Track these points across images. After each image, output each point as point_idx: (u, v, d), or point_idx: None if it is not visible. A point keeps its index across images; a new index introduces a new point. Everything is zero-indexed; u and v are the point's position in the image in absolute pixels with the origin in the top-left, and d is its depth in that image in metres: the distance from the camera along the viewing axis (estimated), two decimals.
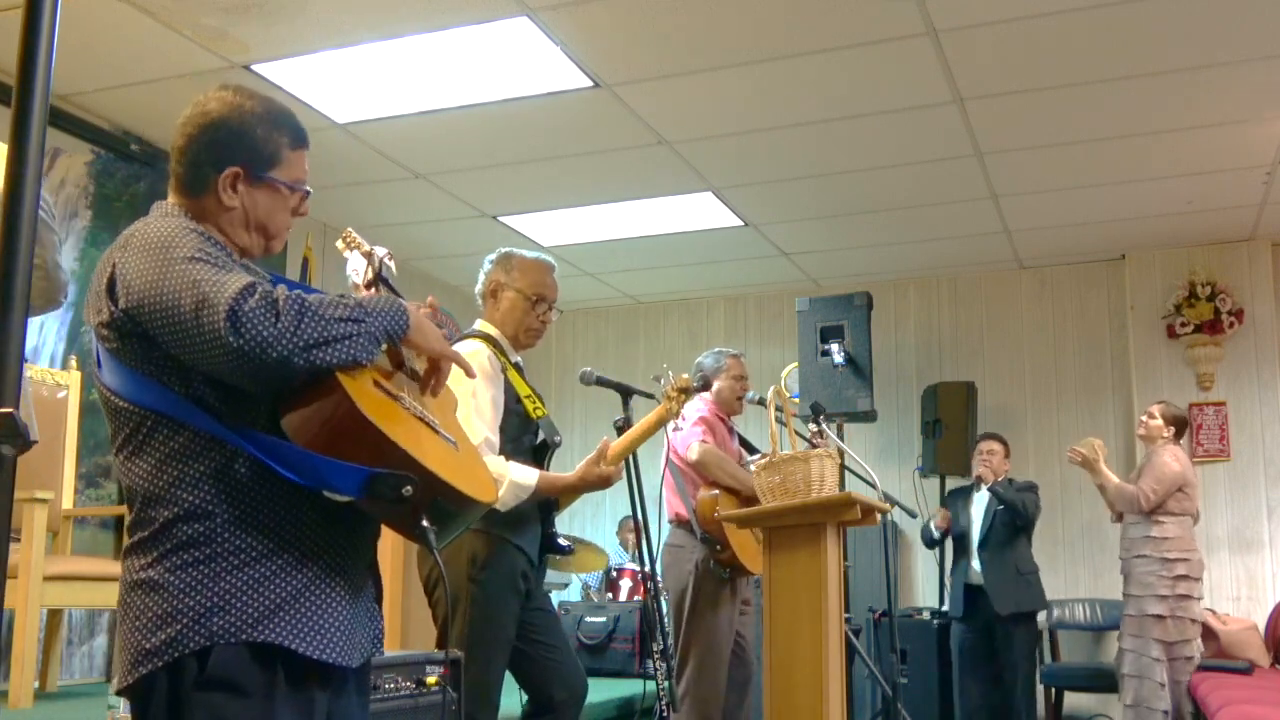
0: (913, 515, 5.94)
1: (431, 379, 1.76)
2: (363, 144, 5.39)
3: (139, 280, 1.57)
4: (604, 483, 3.00)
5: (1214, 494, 6.63)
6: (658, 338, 8.32)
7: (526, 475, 2.91)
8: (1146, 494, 5.39)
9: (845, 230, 6.74)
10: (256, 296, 1.49)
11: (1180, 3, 4.11)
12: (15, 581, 3.64)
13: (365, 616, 1.73)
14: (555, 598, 6.75)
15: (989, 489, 5.84)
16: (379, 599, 1.80)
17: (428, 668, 2.95)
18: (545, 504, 3.06)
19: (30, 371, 4.21)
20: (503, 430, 2.96)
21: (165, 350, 1.57)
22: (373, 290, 2.12)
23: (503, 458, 2.91)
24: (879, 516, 4.05)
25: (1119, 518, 5.70)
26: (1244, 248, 6.84)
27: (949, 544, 6.19)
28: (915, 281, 7.71)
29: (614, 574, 6.70)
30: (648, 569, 3.37)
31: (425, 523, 1.59)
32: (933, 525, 6.05)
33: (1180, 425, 5.69)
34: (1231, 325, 6.72)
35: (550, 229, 6.65)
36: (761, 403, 4.36)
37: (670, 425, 3.56)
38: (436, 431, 1.71)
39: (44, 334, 4.82)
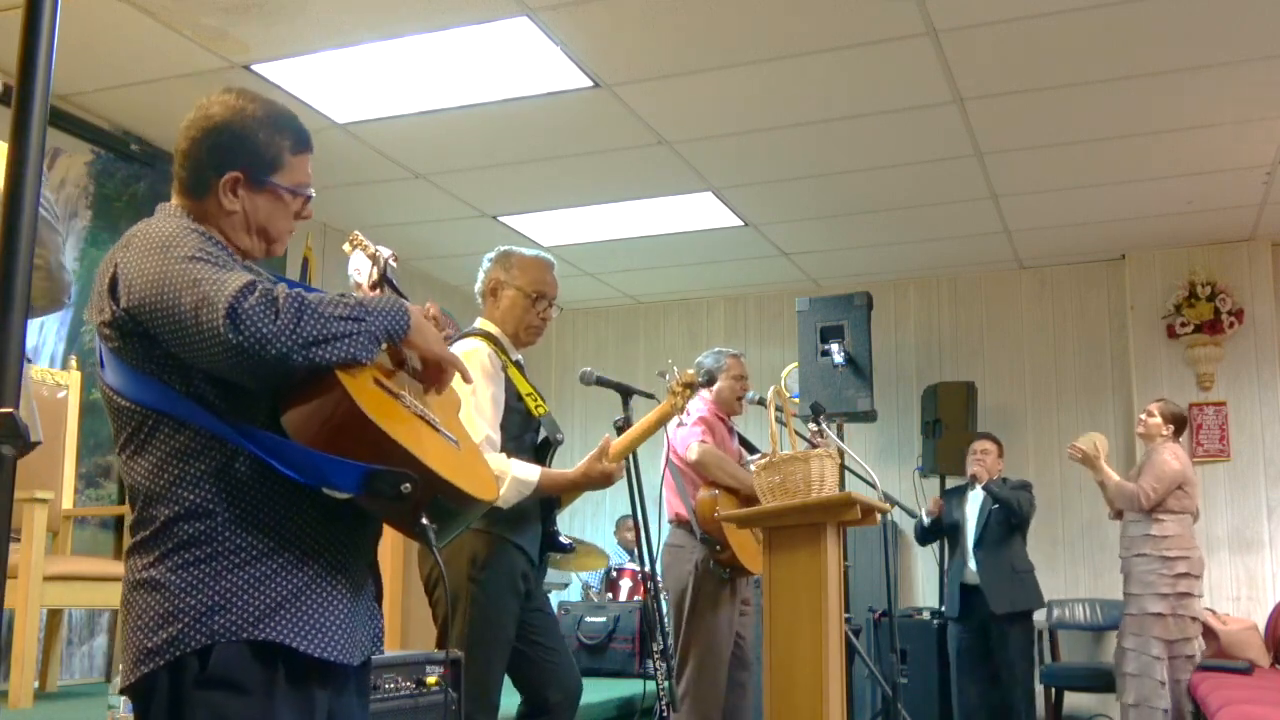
0: (913, 515, 5.96)
1: (434, 380, 1.77)
2: (363, 144, 5.39)
3: (140, 279, 1.58)
4: (606, 480, 2.99)
5: (1214, 494, 6.63)
6: (658, 338, 8.32)
7: (529, 472, 2.91)
8: (1146, 492, 5.40)
9: (845, 230, 6.74)
10: (256, 294, 1.50)
11: (1180, 3, 4.11)
12: (15, 581, 3.64)
13: (366, 615, 1.73)
14: (555, 598, 6.76)
15: (983, 487, 5.85)
16: (379, 598, 1.80)
17: (428, 668, 2.95)
18: (546, 502, 3.06)
19: (33, 373, 4.21)
20: (504, 428, 2.96)
21: (166, 349, 1.58)
22: (377, 291, 2.12)
23: (504, 455, 2.91)
24: (879, 516, 4.05)
25: (1118, 515, 5.70)
26: (1244, 248, 6.84)
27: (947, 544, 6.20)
28: (915, 281, 7.71)
29: (614, 574, 6.70)
30: (648, 569, 3.37)
31: (425, 521, 1.59)
32: (923, 512, 6.04)
33: (1179, 423, 5.70)
34: (1231, 325, 6.72)
35: (550, 229, 6.65)
36: (761, 403, 4.36)
37: (674, 421, 3.55)
38: (437, 430, 1.72)
39: (44, 334, 4.82)
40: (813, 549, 3.47)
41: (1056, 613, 6.78)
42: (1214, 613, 6.05)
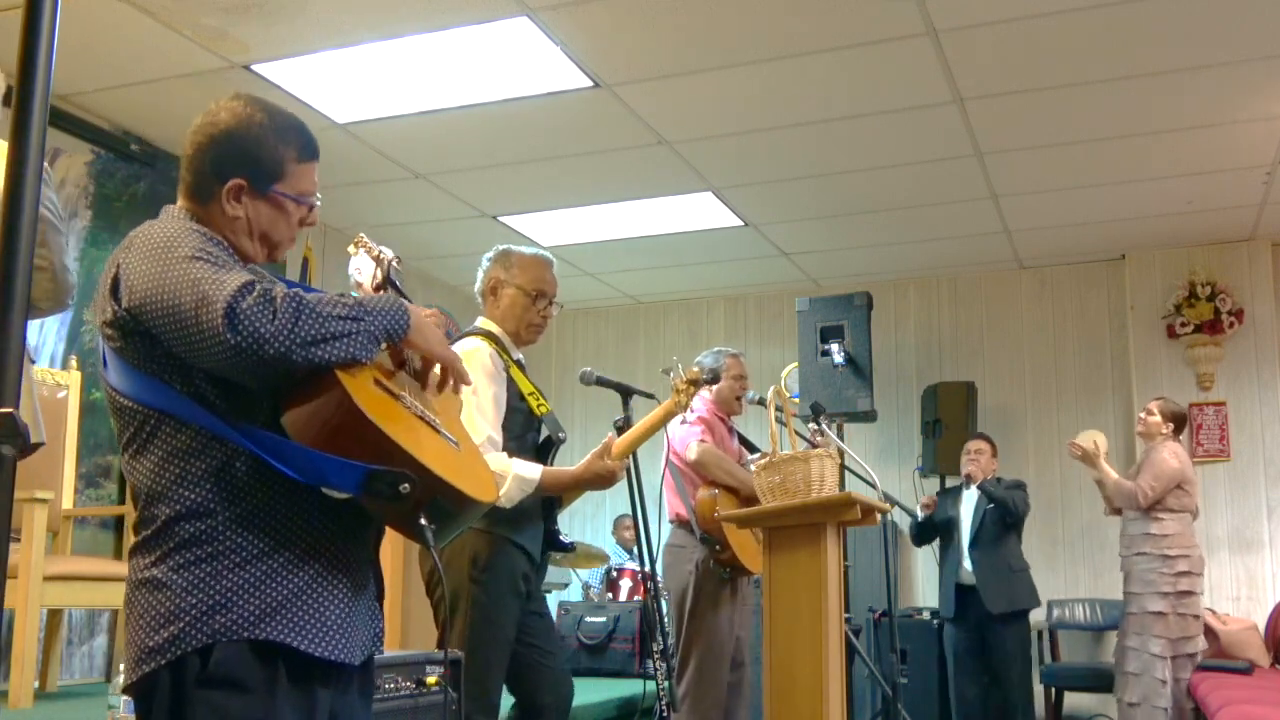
0: (913, 515, 5.95)
1: (440, 382, 1.77)
2: (363, 144, 5.39)
3: (141, 280, 1.59)
4: (608, 478, 2.97)
5: (1214, 494, 6.64)
6: (658, 338, 8.32)
7: (531, 470, 2.90)
8: (1144, 490, 5.40)
9: (845, 230, 6.74)
10: (255, 294, 1.51)
11: (1180, 3, 4.11)
12: (15, 581, 3.64)
13: (366, 614, 1.74)
14: (555, 597, 6.76)
15: (978, 487, 5.85)
16: (381, 597, 1.81)
17: (428, 668, 2.95)
18: (548, 501, 3.05)
19: (37, 374, 4.20)
20: (507, 428, 2.96)
21: (167, 349, 1.59)
22: (381, 293, 2.12)
23: (506, 454, 2.90)
24: (879, 516, 4.05)
25: (1115, 511, 5.70)
26: (1244, 248, 6.84)
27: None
28: (915, 281, 7.71)
29: (614, 574, 6.70)
30: (647, 569, 3.37)
31: (424, 521, 1.60)
32: (918, 508, 6.03)
33: (1179, 421, 5.70)
34: (1231, 325, 6.73)
35: (550, 229, 6.65)
36: (761, 403, 4.36)
37: (678, 419, 3.54)
38: (437, 431, 1.72)
39: (44, 334, 4.82)
40: (813, 549, 3.47)
41: (1056, 613, 6.78)
42: (1214, 613, 6.06)
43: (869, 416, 6.42)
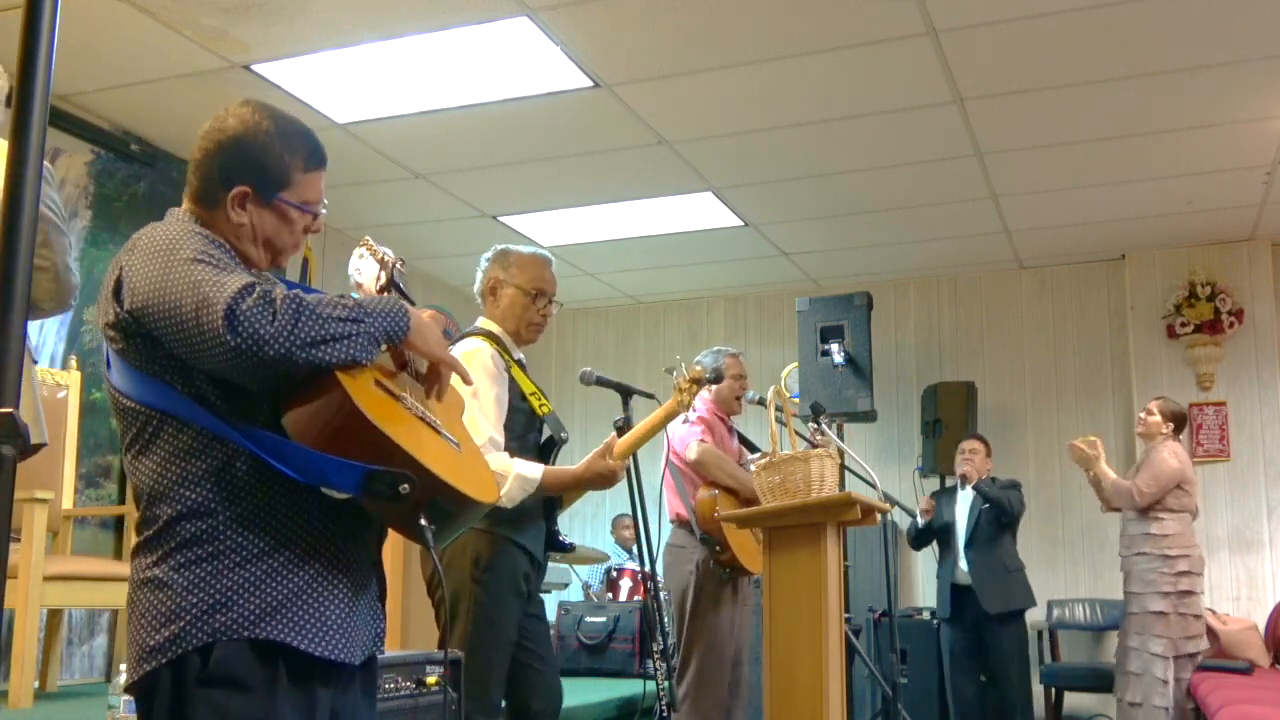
0: (913, 515, 5.95)
1: (434, 382, 1.77)
2: (363, 144, 5.39)
3: (143, 282, 1.59)
4: (610, 478, 2.96)
5: (1214, 494, 6.64)
6: (658, 338, 8.32)
7: (532, 470, 2.90)
8: (1141, 489, 5.39)
9: (845, 230, 6.74)
10: (254, 296, 1.52)
11: (1180, 3, 4.11)
12: (15, 581, 3.64)
13: (368, 614, 1.74)
14: (555, 597, 6.76)
15: (973, 487, 5.85)
16: (383, 597, 1.82)
17: (428, 668, 2.95)
18: (549, 501, 3.05)
19: (38, 374, 4.20)
20: (508, 428, 2.96)
21: (169, 350, 1.60)
22: (384, 295, 2.12)
23: (507, 454, 2.90)
24: (879, 516, 4.04)
25: (1114, 509, 5.70)
26: (1244, 248, 6.84)
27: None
28: (915, 281, 7.71)
29: (614, 574, 6.70)
30: (648, 569, 3.37)
31: (424, 522, 1.60)
32: (918, 513, 6.03)
33: (1179, 421, 5.69)
34: (1231, 325, 6.73)
35: (550, 229, 6.65)
36: (761, 403, 4.36)
37: (680, 418, 3.54)
38: (438, 432, 1.72)
39: (44, 334, 4.82)
40: (813, 549, 3.47)
41: (1056, 612, 6.78)
42: (1214, 613, 6.06)
43: (869, 416, 6.42)
